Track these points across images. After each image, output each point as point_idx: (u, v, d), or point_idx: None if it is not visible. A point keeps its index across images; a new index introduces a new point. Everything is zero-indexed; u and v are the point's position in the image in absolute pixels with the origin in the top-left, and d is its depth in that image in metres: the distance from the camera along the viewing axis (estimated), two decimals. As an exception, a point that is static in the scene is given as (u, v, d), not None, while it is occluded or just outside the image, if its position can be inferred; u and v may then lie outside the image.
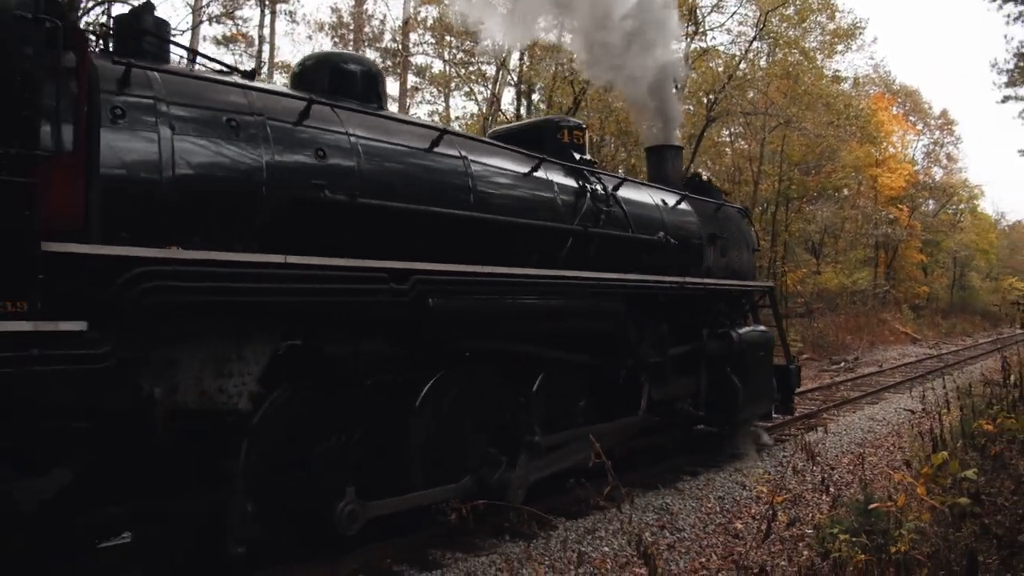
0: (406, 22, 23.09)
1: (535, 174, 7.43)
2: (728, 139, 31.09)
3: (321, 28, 24.74)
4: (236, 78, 5.76)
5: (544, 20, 17.38)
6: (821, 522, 5.16)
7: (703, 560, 6.29)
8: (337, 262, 5.17)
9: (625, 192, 8.61)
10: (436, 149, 6.42)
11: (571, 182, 7.87)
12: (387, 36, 24.36)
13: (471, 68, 22.88)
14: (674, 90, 11.90)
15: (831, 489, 5.02)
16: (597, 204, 7.95)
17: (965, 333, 42.25)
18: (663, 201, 9.33)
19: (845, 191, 37.04)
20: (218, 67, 6.11)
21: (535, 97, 23.46)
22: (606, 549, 6.44)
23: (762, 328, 10.65)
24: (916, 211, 44.51)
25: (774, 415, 11.15)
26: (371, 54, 23.75)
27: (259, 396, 5.11)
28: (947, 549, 3.59)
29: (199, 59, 6.33)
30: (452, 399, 6.50)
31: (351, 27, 24.08)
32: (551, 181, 7.60)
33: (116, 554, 4.61)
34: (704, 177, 11.43)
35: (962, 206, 52.23)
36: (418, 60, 24.28)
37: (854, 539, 3.88)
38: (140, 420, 4.45)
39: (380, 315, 5.57)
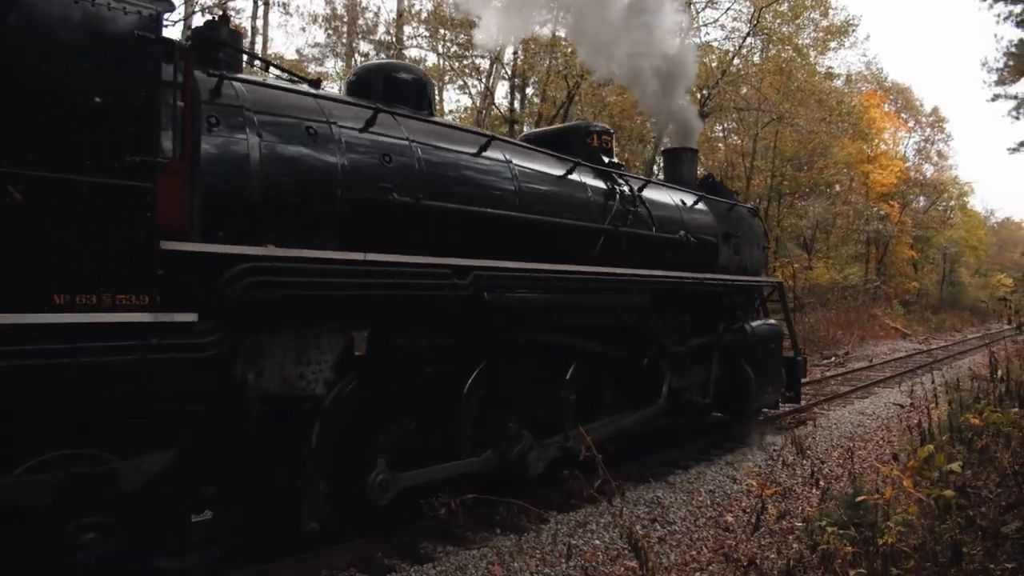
0: (400, 15, 23.03)
1: (570, 176, 8.01)
2: (721, 134, 31.14)
3: (315, 20, 24.62)
4: (304, 86, 6.14)
5: (539, 14, 17.41)
6: (810, 515, 5.21)
7: (694, 553, 6.33)
8: (410, 259, 5.76)
9: (648, 193, 9.21)
10: (484, 153, 7.00)
11: (601, 184, 8.44)
12: (381, 29, 24.30)
13: (465, 62, 22.85)
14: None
15: (821, 483, 5.07)
16: (625, 205, 8.54)
17: (954, 328, 42.46)
18: (682, 201, 9.94)
19: (837, 187, 37.14)
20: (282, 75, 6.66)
21: (529, 91, 23.49)
22: (597, 542, 6.48)
23: (772, 321, 11.23)
24: (907, 207, 44.64)
25: (782, 404, 11.83)
26: (364, 47, 23.70)
27: (332, 383, 5.58)
28: (933, 541, 3.64)
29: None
30: (495, 389, 6.90)
31: (345, 19, 24.00)
32: (584, 183, 8.18)
33: (200, 529, 4.92)
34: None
35: (952, 203, 52.44)
36: (412, 53, 24.22)
37: (842, 531, 3.93)
38: (235, 404, 4.91)
39: (440, 308, 6.12)
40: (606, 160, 9.06)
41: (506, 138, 7.99)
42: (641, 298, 8.27)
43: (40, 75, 3.91)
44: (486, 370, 6.73)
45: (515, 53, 22.17)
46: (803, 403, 13.64)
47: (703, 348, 9.85)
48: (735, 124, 29.40)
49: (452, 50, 23.12)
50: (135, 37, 4.17)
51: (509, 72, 22.80)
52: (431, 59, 24.46)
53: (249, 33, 21.03)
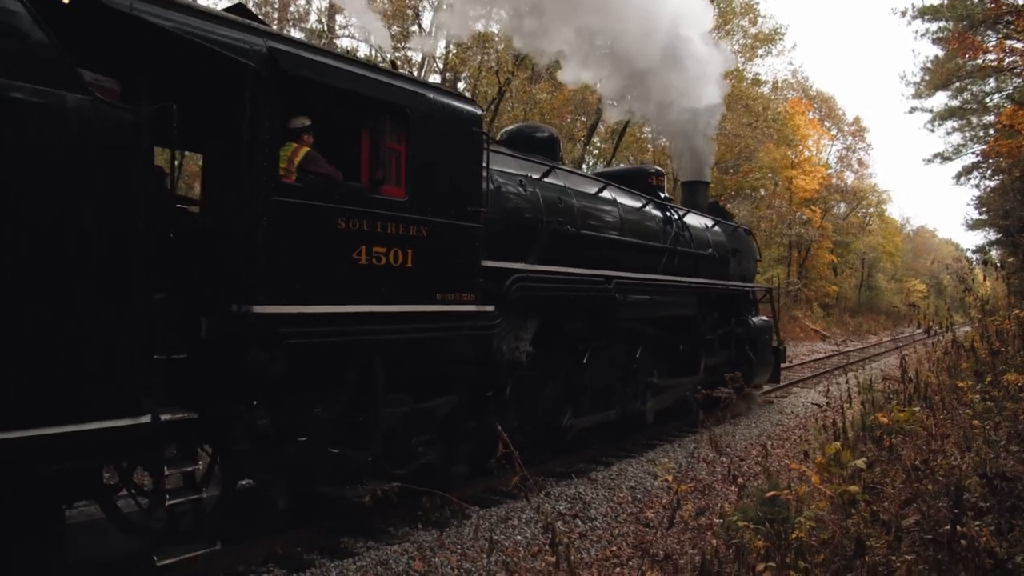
0: (332, 4, 22.72)
1: (644, 208, 10.83)
2: (650, 135, 31.54)
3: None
4: (503, 148, 8.66)
5: (474, 10, 17.36)
6: (727, 511, 5.31)
7: (614, 548, 6.40)
8: (584, 271, 8.53)
9: (688, 219, 12.11)
10: (601, 194, 9.77)
11: (660, 213, 11.26)
12: (312, 17, 23.94)
13: (398, 54, 22.64)
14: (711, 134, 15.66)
15: (739, 480, 5.18)
16: (676, 229, 11.39)
17: (870, 331, 43.81)
18: (706, 225, 12.88)
19: (762, 191, 37.95)
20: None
21: (461, 86, 23.42)
22: (519, 537, 6.50)
23: (764, 318, 14.40)
24: (828, 213, 45.85)
25: (767, 384, 14.76)
26: (296, 34, 23.27)
27: (529, 354, 7.82)
28: (841, 535, 3.74)
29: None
30: (601, 359, 9.41)
31: (275, 6, 23.56)
32: (653, 213, 11.03)
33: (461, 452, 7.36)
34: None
35: (871, 210, 54.02)
36: (343, 43, 23.92)
37: (755, 526, 4.02)
38: (491, 367, 7.33)
39: (589, 304, 8.73)
40: (661, 195, 11.87)
41: (612, 183, 10.52)
42: (694, 298, 11.28)
43: (433, 156, 6.37)
44: (598, 346, 9.31)
45: (447, 47, 22.08)
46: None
47: (723, 337, 12.88)
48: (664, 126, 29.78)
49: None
50: (473, 132, 6.83)
51: (441, 66, 22.70)
52: (363, 50, 24.18)
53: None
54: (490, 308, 6.87)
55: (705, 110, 14.52)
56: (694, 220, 12.36)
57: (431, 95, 6.45)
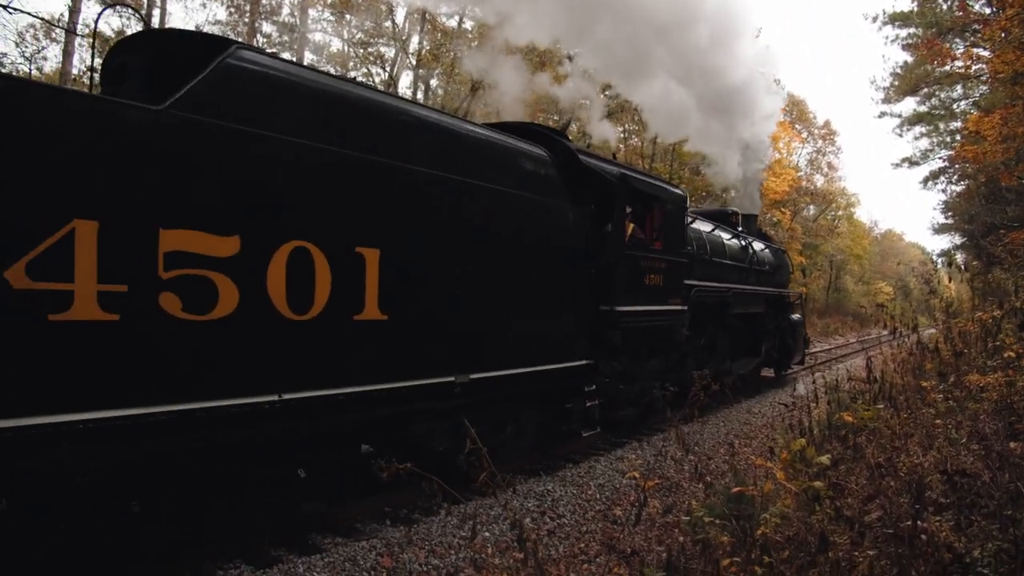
0: (305, -2, 22.52)
1: (733, 239, 15.27)
2: (622, 135, 31.63)
3: (217, -3, 23.81)
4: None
5: (447, 6, 17.28)
6: (693, 508, 5.35)
7: (582, 545, 6.41)
8: (716, 284, 13.16)
9: (754, 245, 16.48)
10: (714, 232, 14.17)
11: (740, 242, 15.67)
12: (285, 10, 23.72)
13: (370, 49, 22.54)
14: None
15: (706, 477, 5.22)
16: (750, 252, 15.80)
17: (838, 332, 44.21)
18: (761, 248, 17.21)
19: (732, 192, 38.15)
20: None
21: (433, 83, 23.37)
22: (487, 534, 6.50)
23: (798, 315, 18.97)
24: (797, 215, 46.22)
25: (793, 365, 19.18)
26: (267, 28, 23.07)
27: (685, 336, 11.70)
28: (805, 531, 3.79)
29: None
30: (710, 340, 13.60)
31: (248, -2, 23.29)
32: (738, 243, 15.47)
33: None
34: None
35: (840, 213, 54.49)
36: (316, 37, 23.74)
37: (721, 523, 4.05)
38: (677, 340, 11.46)
39: (716, 306, 13.25)
40: (739, 228, 16.58)
41: (717, 223, 14.90)
42: (763, 300, 16.08)
43: (670, 222, 10.95)
44: (712, 331, 13.55)
45: (420, 44, 22.01)
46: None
47: (775, 329, 17.23)
48: (636, 126, 29.91)
49: (357, 37, 22.77)
50: (683, 205, 11.54)
51: (414, 62, 22.61)
52: (336, 44, 24.01)
53: (146, 5, 20.19)
54: (685, 307, 11.31)
55: (762, 163, 20.26)
56: (757, 244, 16.92)
57: (669, 188, 11.33)
